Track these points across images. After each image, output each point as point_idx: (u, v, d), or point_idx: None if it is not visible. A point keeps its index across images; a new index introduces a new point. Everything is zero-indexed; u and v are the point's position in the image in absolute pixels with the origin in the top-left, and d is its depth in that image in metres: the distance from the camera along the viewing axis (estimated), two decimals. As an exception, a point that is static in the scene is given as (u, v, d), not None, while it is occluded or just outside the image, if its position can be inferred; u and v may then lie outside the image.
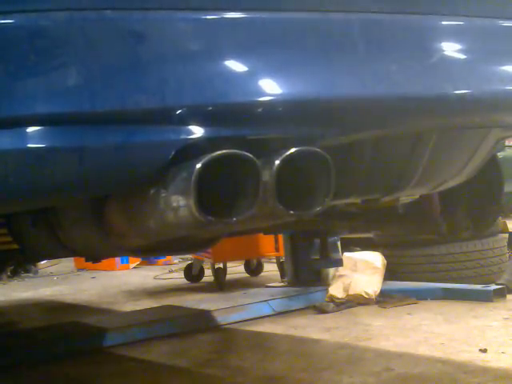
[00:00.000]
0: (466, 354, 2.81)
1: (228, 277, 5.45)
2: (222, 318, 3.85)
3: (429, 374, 2.59)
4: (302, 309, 4.09)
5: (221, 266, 5.43)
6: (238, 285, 5.33)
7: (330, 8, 1.53)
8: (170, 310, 4.16)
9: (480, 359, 2.71)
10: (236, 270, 6.01)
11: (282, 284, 5.02)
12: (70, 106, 1.32)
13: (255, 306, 4.04)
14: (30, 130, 1.30)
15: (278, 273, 5.44)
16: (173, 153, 1.37)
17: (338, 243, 4.47)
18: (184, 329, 3.70)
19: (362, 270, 4.17)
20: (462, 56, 1.65)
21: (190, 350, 3.35)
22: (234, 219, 1.38)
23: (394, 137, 1.76)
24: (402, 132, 1.71)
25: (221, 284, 5.28)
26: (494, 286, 3.95)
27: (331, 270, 4.42)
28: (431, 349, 2.95)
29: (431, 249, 4.39)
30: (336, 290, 4.10)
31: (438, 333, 3.24)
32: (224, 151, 1.34)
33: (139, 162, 1.38)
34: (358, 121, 1.54)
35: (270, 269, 5.89)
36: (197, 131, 1.37)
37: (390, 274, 4.36)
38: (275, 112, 1.41)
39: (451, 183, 2.12)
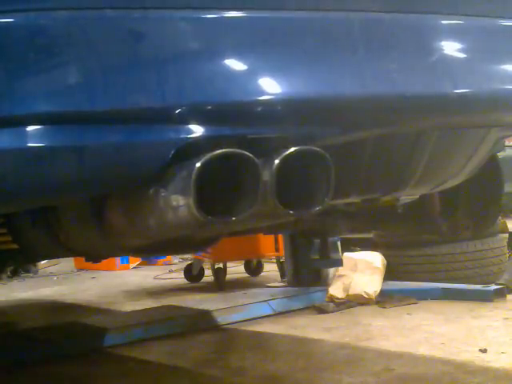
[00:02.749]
0: (466, 353, 2.81)
1: (228, 277, 5.45)
2: (222, 318, 3.85)
3: (429, 374, 2.59)
4: (302, 309, 4.09)
5: (221, 266, 5.42)
6: (238, 285, 5.32)
7: (330, 7, 1.53)
8: (169, 310, 4.16)
9: (480, 359, 2.71)
10: (236, 269, 6.01)
11: (282, 284, 5.02)
12: (69, 104, 1.32)
13: (255, 306, 4.04)
14: (30, 129, 1.30)
15: (278, 273, 5.44)
16: (173, 152, 1.37)
17: (338, 243, 4.47)
18: (184, 329, 3.70)
19: (361, 270, 4.17)
20: (461, 55, 1.65)
21: (189, 349, 3.35)
22: (234, 219, 1.38)
23: (393, 136, 1.76)
24: (401, 131, 1.71)
25: (221, 284, 5.28)
26: (494, 286, 3.95)
27: (331, 270, 4.42)
28: (431, 349, 2.94)
29: (431, 249, 4.39)
30: (336, 290, 4.10)
31: (438, 333, 3.24)
32: (224, 150, 1.34)
33: (139, 161, 1.38)
34: (357, 120, 1.54)
35: (270, 269, 5.88)
36: (197, 130, 1.37)
37: (390, 274, 4.36)
38: (275, 111, 1.41)
39: (451, 183, 2.13)
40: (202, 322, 3.85)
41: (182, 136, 1.37)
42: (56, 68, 1.32)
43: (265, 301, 4.11)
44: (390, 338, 3.19)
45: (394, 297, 4.08)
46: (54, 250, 2.24)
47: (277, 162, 1.39)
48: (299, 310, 4.08)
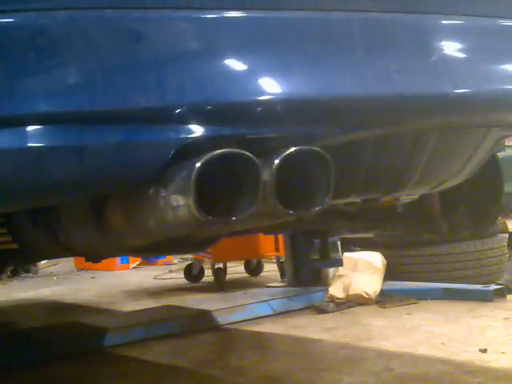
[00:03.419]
0: (466, 353, 2.81)
1: (228, 277, 5.45)
2: (222, 318, 3.85)
3: (429, 374, 2.59)
4: (302, 309, 4.09)
5: (221, 266, 5.43)
6: (238, 285, 5.32)
7: (330, 7, 1.53)
8: (169, 310, 4.16)
9: (480, 359, 2.71)
10: (236, 269, 6.01)
11: (282, 284, 5.03)
12: (69, 104, 1.32)
13: (255, 306, 4.04)
14: (30, 129, 1.30)
15: (278, 273, 5.44)
16: (172, 152, 1.37)
17: (338, 243, 4.47)
18: (184, 329, 3.70)
19: (361, 270, 4.17)
20: (461, 55, 1.65)
21: (190, 349, 3.35)
22: (234, 218, 1.38)
23: (393, 136, 1.76)
24: (401, 131, 1.71)
25: (221, 284, 5.28)
26: (494, 286, 3.95)
27: (331, 270, 4.43)
28: (431, 349, 2.94)
29: (431, 249, 4.39)
30: (336, 290, 4.10)
31: (438, 333, 3.24)
32: (224, 150, 1.34)
33: (139, 162, 1.38)
34: (357, 120, 1.54)
35: (270, 269, 5.89)
36: (196, 130, 1.37)
37: (390, 274, 4.36)
38: (275, 111, 1.41)
39: (451, 183, 2.12)
40: (202, 321, 3.85)
41: (181, 136, 1.37)
42: (56, 68, 1.32)
43: (265, 301, 4.11)
44: (390, 338, 3.19)
45: (394, 297, 4.08)
46: (54, 249, 2.24)
47: (277, 161, 1.39)
48: (299, 310, 4.08)
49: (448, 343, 3.01)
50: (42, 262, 7.44)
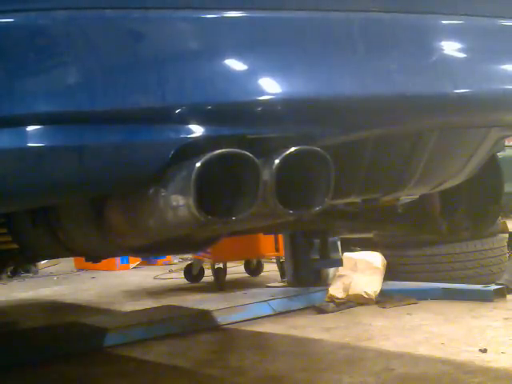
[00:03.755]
0: (466, 353, 2.81)
1: (228, 277, 5.46)
2: (222, 318, 3.86)
3: (429, 374, 2.59)
4: (302, 309, 4.09)
5: (221, 266, 5.43)
6: (238, 285, 5.32)
7: (330, 7, 1.53)
8: (169, 310, 4.16)
9: (480, 359, 2.71)
10: (236, 269, 6.01)
11: (282, 284, 5.03)
12: (69, 104, 1.32)
13: (255, 306, 4.04)
14: (30, 129, 1.31)
15: (278, 273, 5.44)
16: (172, 152, 1.37)
17: (338, 243, 4.47)
18: (184, 329, 3.70)
19: (362, 270, 4.17)
20: (461, 55, 1.65)
21: (190, 349, 3.35)
22: (234, 218, 1.38)
23: (393, 136, 1.76)
24: (401, 131, 1.71)
25: (221, 284, 5.28)
26: (494, 286, 3.95)
27: (331, 270, 4.43)
28: (431, 349, 2.94)
29: (431, 249, 4.39)
30: (336, 290, 4.10)
31: (438, 333, 3.24)
32: (224, 150, 1.34)
33: (139, 161, 1.38)
34: (358, 120, 1.54)
35: (270, 269, 5.89)
36: (196, 130, 1.37)
37: (390, 274, 4.36)
38: (275, 111, 1.41)
39: (451, 183, 2.13)
40: (202, 321, 3.85)
41: (181, 136, 1.37)
42: (56, 68, 1.32)
43: (265, 301, 4.11)
44: (390, 338, 3.19)
45: (394, 297, 4.08)
46: (54, 249, 2.24)
47: (277, 161, 1.39)
48: (299, 310, 4.08)
49: (448, 343, 3.01)
50: (42, 262, 7.44)
